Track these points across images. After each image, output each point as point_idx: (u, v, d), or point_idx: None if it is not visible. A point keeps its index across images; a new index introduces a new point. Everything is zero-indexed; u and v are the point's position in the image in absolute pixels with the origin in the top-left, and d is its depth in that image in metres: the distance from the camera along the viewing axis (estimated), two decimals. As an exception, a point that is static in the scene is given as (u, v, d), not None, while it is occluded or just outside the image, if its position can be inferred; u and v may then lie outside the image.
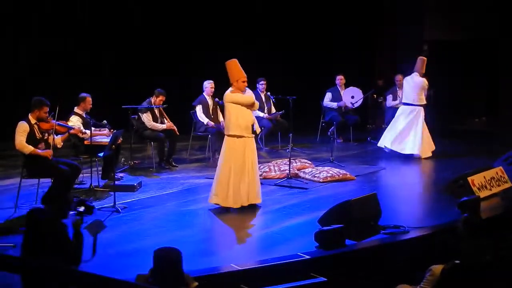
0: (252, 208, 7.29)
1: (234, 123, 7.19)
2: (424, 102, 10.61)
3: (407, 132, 10.48)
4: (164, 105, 9.72)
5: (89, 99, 8.48)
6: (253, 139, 7.40)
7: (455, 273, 4.31)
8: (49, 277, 3.76)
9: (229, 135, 7.25)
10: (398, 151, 10.49)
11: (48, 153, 7.01)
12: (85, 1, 12.70)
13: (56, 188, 7.04)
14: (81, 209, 4.57)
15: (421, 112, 10.54)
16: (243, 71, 7.26)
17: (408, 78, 10.67)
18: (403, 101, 10.81)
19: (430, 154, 10.49)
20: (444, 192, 8.05)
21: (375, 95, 12.90)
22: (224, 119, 7.42)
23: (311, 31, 14.41)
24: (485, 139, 13.16)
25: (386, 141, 10.69)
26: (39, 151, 6.99)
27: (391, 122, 10.88)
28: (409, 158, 10.42)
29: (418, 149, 10.37)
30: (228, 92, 7.28)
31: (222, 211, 7.23)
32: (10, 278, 4.72)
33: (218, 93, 10.33)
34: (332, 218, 6.23)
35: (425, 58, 10.65)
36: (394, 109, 11.85)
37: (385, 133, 10.85)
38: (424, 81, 10.54)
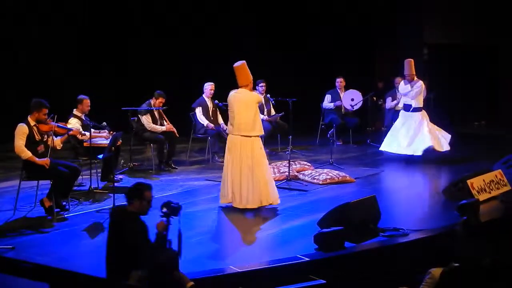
0: (251, 210, 7.31)
1: (260, 123, 7.46)
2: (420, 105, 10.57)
3: (406, 135, 10.45)
4: (164, 107, 9.72)
5: (87, 101, 8.48)
6: None
7: (454, 276, 4.31)
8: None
9: (257, 136, 7.39)
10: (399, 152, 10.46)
11: (45, 162, 6.95)
12: (85, 1, 12.73)
13: (56, 190, 7.03)
14: (164, 210, 4.57)
15: (418, 115, 10.50)
16: None
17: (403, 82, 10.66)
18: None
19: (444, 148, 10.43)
20: (444, 195, 8.05)
21: (374, 98, 12.91)
22: (248, 120, 7.35)
23: (311, 31, 14.43)
24: (485, 142, 13.16)
25: (386, 145, 10.66)
26: (36, 159, 6.95)
27: (393, 127, 10.82)
28: (408, 160, 10.42)
29: (415, 149, 10.32)
30: (252, 93, 7.49)
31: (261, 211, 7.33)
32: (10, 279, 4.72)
33: (218, 95, 10.35)
34: (331, 220, 6.22)
35: (412, 60, 10.61)
36: (394, 111, 11.86)
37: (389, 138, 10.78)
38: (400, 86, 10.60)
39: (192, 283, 4.46)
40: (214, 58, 12.95)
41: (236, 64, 7.40)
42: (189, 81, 12.14)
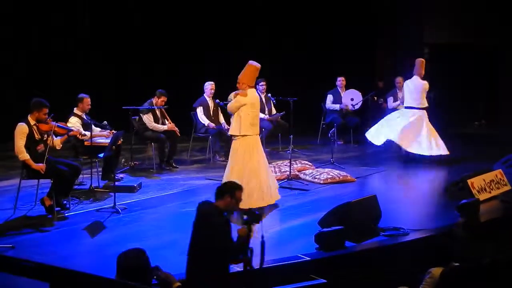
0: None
1: None
2: (425, 105, 10.47)
3: (412, 132, 10.35)
4: (166, 106, 9.72)
5: (87, 99, 8.47)
6: None
7: (454, 275, 4.31)
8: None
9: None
10: (403, 147, 10.35)
11: (41, 167, 6.93)
12: (85, 1, 12.72)
13: (56, 188, 7.03)
14: (245, 217, 4.57)
15: (424, 115, 10.43)
16: None
17: (408, 81, 10.60)
18: (405, 105, 10.71)
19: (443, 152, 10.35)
20: (444, 195, 8.05)
21: (375, 97, 12.92)
22: (259, 119, 7.60)
23: (311, 31, 14.43)
24: (485, 142, 13.17)
25: (381, 137, 10.59)
26: (33, 163, 6.93)
27: (383, 120, 10.80)
28: (408, 161, 10.42)
29: (424, 150, 10.27)
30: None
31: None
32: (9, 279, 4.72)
33: (219, 94, 10.35)
34: (332, 220, 6.23)
35: (423, 60, 10.56)
36: (395, 110, 11.84)
37: (378, 129, 10.71)
38: (424, 84, 10.38)
39: (178, 283, 4.41)
40: (214, 58, 12.95)
41: (254, 64, 7.35)
42: (189, 81, 12.14)
